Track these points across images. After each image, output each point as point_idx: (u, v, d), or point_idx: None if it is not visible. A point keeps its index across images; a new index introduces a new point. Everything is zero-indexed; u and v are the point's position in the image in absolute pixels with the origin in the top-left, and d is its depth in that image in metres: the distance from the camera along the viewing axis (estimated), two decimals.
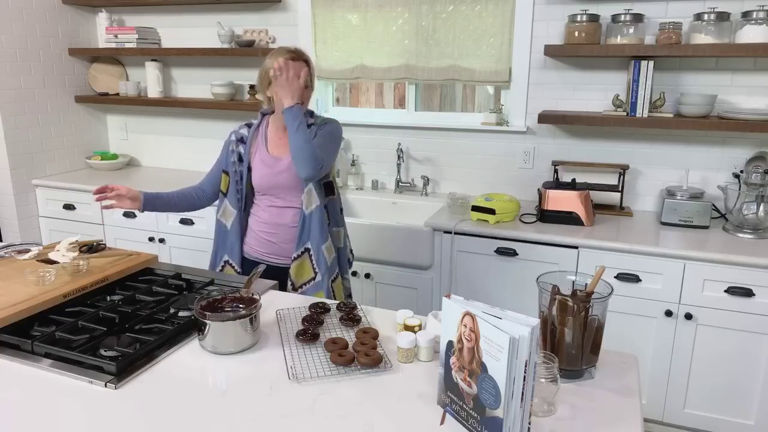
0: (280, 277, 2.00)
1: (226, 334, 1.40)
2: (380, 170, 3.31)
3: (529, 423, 1.07)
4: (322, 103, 3.40)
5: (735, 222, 2.46)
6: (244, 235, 2.10)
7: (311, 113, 2.03)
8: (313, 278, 2.00)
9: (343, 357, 1.35)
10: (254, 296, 1.51)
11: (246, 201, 2.07)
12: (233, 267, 2.08)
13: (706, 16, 2.44)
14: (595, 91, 2.81)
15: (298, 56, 1.93)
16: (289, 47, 1.97)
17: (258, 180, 2.02)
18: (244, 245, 2.10)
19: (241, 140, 2.06)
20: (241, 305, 1.51)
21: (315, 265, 1.99)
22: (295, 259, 1.99)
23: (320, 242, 1.98)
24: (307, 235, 1.99)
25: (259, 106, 2.06)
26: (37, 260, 1.86)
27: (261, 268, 1.77)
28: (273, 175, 1.99)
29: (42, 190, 3.43)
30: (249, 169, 2.04)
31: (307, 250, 1.99)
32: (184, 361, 1.38)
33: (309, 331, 1.47)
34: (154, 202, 2.04)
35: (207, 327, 1.40)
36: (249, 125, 2.09)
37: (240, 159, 2.04)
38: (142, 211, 2.04)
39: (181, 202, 2.12)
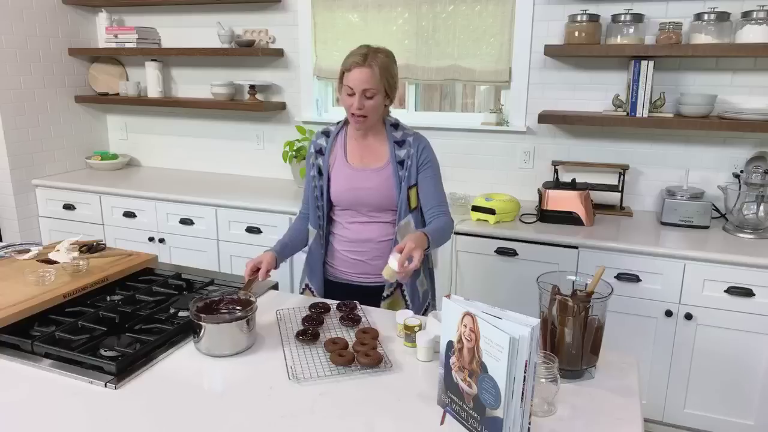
0: (372, 299, 1.81)
1: (221, 336, 1.40)
2: None
3: (529, 423, 1.07)
4: (322, 103, 3.40)
5: (735, 222, 2.46)
6: (326, 256, 1.91)
7: (396, 125, 1.83)
8: None
9: (343, 357, 1.35)
10: (250, 298, 1.51)
11: (327, 218, 1.86)
12: (312, 291, 1.92)
13: (706, 16, 2.44)
14: (595, 91, 2.81)
15: (364, 61, 1.67)
16: (364, 49, 1.70)
17: (337, 194, 1.81)
18: (328, 267, 1.91)
19: (320, 151, 1.84)
20: (237, 307, 1.51)
21: (408, 301, 1.85)
22: (386, 297, 1.83)
23: (414, 278, 1.81)
24: None
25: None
26: (37, 260, 1.86)
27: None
28: (354, 190, 1.79)
29: (42, 190, 3.43)
30: (329, 182, 1.83)
31: (399, 286, 1.84)
32: (185, 361, 1.38)
33: (309, 331, 1.47)
34: (284, 254, 1.84)
35: (202, 329, 1.39)
36: (327, 133, 1.87)
37: (320, 172, 1.83)
38: (277, 268, 1.79)
39: (301, 240, 1.92)
